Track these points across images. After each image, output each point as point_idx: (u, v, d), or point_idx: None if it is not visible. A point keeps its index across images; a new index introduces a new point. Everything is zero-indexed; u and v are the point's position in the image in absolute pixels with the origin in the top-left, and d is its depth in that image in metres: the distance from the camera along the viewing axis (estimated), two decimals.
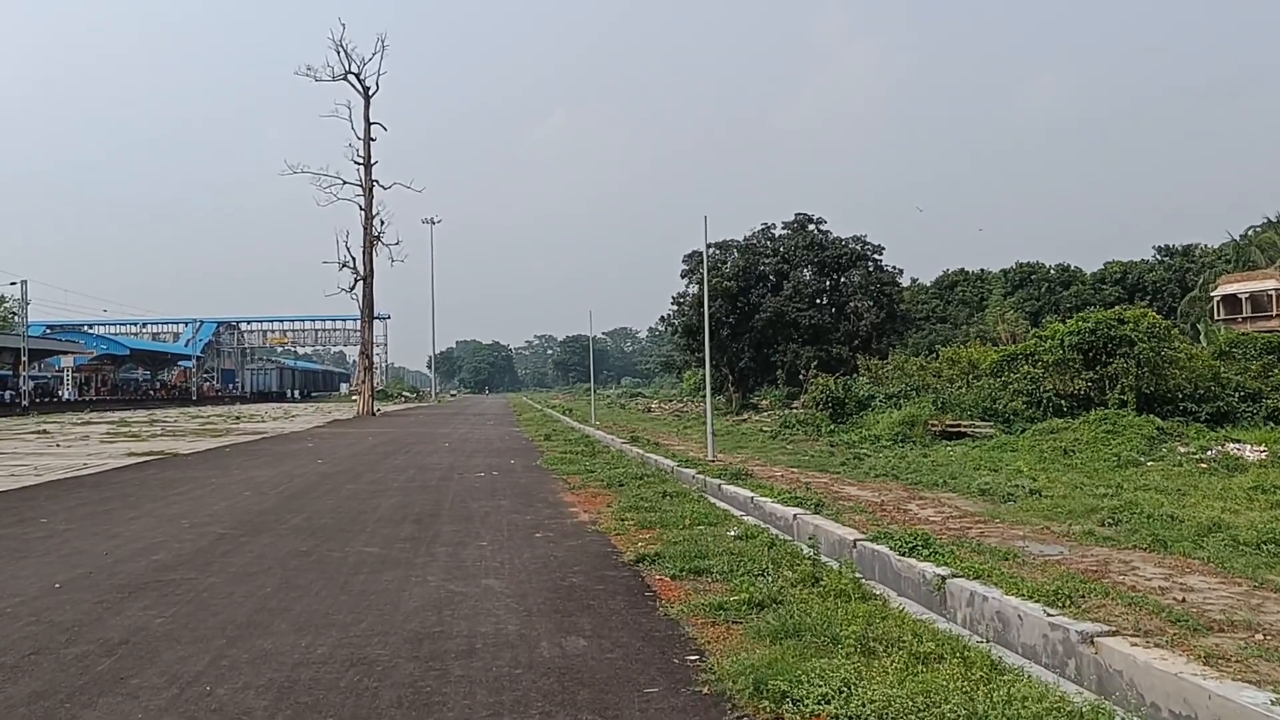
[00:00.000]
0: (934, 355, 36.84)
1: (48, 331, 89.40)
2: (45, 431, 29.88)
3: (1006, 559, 7.49)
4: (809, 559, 7.22)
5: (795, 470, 16.48)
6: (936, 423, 21.96)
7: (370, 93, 47.05)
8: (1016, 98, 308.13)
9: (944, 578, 6.72)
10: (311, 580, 6.88)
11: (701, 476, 14.48)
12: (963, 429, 21.54)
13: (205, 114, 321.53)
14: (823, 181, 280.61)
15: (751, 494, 12.02)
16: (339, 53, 47.08)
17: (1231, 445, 16.08)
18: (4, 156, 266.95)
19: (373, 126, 47.39)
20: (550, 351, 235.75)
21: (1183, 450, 16.30)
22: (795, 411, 32.93)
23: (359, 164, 47.38)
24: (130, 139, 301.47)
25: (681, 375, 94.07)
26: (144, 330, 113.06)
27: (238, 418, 43.37)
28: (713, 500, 11.50)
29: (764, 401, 47.39)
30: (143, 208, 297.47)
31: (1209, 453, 15.90)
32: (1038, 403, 22.21)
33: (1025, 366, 23.56)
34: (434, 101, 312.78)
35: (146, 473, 15.66)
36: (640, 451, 19.70)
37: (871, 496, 12.52)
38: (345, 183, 47.70)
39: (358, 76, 46.95)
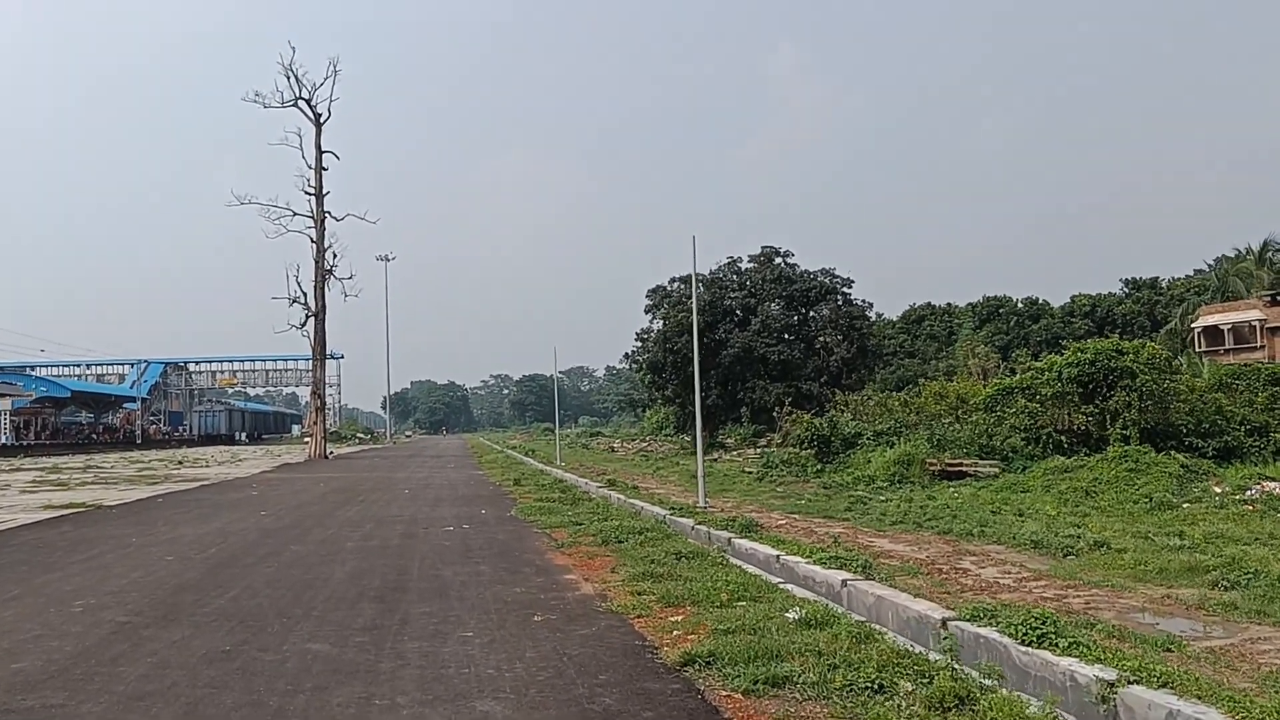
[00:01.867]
0: (915, 390, 35.34)
1: None
2: None
3: (1168, 649, 5.63)
4: (939, 666, 5.23)
5: (797, 517, 14.77)
6: (935, 462, 20.44)
7: (322, 119, 44.97)
8: (972, 131, 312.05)
9: (1110, 684, 4.81)
10: (229, 710, 4.80)
11: (704, 529, 12.55)
12: (964, 468, 20.02)
13: (147, 153, 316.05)
14: (783, 215, 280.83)
15: (775, 552, 10.12)
16: (289, 78, 44.98)
17: (1269, 484, 14.69)
18: None
19: (325, 155, 45.30)
20: (506, 391, 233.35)
21: (1218, 490, 14.91)
22: (776, 451, 31.28)
23: (310, 194, 45.20)
24: (70, 182, 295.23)
25: (641, 414, 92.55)
26: (88, 372, 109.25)
27: (180, 462, 40.68)
28: (739, 564, 9.51)
29: (729, 440, 45.77)
30: (83, 247, 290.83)
31: (1249, 493, 14.47)
32: (1036, 439, 20.85)
33: (1021, 400, 22.08)
34: (383, 140, 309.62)
35: (56, 531, 13.36)
36: (622, 498, 17.75)
37: (910, 551, 10.77)
38: (296, 214, 45.52)
39: (309, 102, 44.90)
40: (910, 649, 5.69)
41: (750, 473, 24.96)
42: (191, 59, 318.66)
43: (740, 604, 7.26)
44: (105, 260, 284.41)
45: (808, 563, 9.36)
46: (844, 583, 8.29)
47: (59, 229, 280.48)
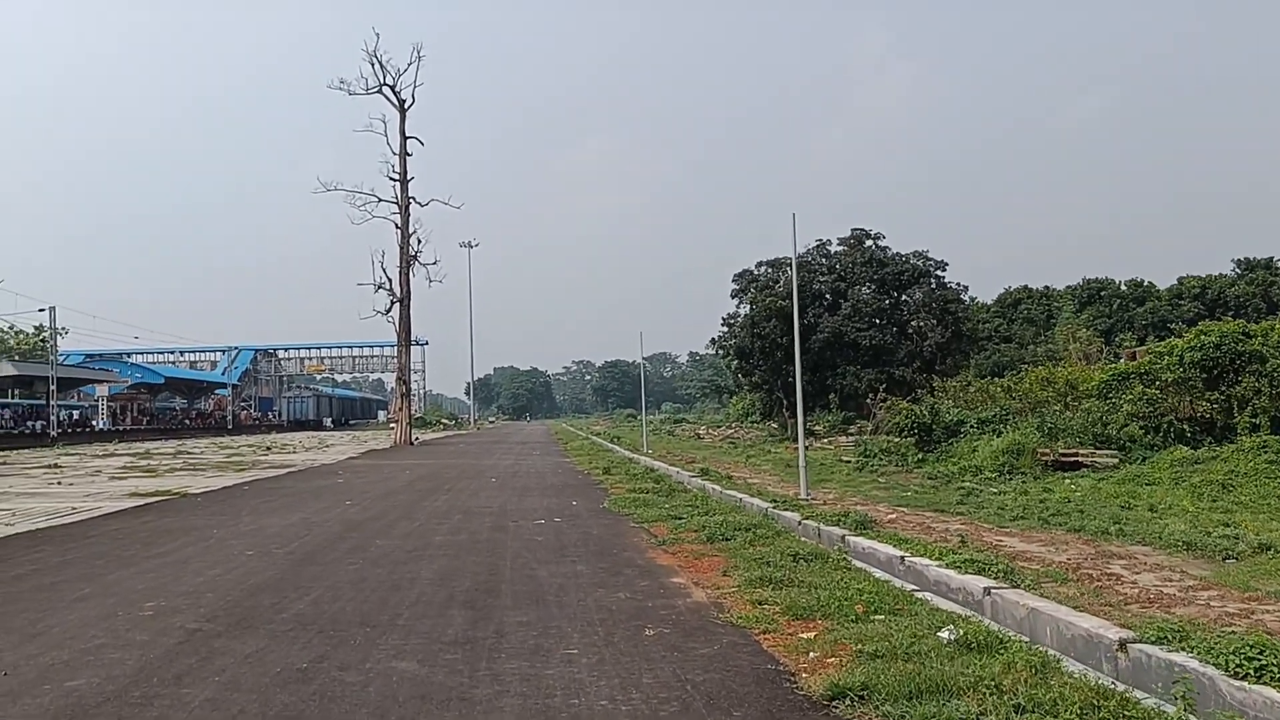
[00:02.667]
0: (1017, 375, 33.80)
1: (86, 360, 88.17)
2: (57, 466, 27.44)
3: None
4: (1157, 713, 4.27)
5: (906, 511, 13.78)
6: (1047, 451, 19.21)
7: (406, 105, 44.68)
8: (1068, 110, 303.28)
9: None
10: None
11: (813, 525, 11.65)
12: (1079, 458, 18.75)
13: (241, 145, 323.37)
14: (871, 199, 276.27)
15: (899, 553, 9.19)
16: (373, 64, 44.76)
17: None
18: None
19: (409, 141, 45.04)
20: (588, 377, 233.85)
21: None
22: (870, 439, 30.21)
23: (395, 180, 45.01)
24: (165, 175, 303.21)
25: (725, 400, 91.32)
26: (182, 358, 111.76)
27: (268, 448, 40.90)
28: (867, 568, 8.57)
29: (818, 427, 44.61)
30: (178, 237, 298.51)
31: None
32: (1156, 428, 19.45)
33: (1139, 386, 20.67)
34: (466, 126, 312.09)
35: (138, 521, 12.96)
36: (718, 489, 16.90)
37: (1046, 553, 9.75)
38: (381, 200, 45.36)
39: (393, 89, 44.64)
40: (1111, 686, 4.73)
41: (848, 461, 23.95)
42: (282, 52, 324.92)
43: (878, 618, 6.37)
44: (199, 250, 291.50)
45: (939, 566, 8.44)
46: (987, 591, 7.36)
47: (156, 221, 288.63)
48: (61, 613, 6.87)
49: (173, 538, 11.10)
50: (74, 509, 14.49)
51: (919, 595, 7.38)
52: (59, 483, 20.35)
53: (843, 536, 10.65)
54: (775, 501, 13.95)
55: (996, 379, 35.64)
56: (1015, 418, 23.38)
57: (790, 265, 16.47)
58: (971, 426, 23.71)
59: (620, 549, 10.03)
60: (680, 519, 12.27)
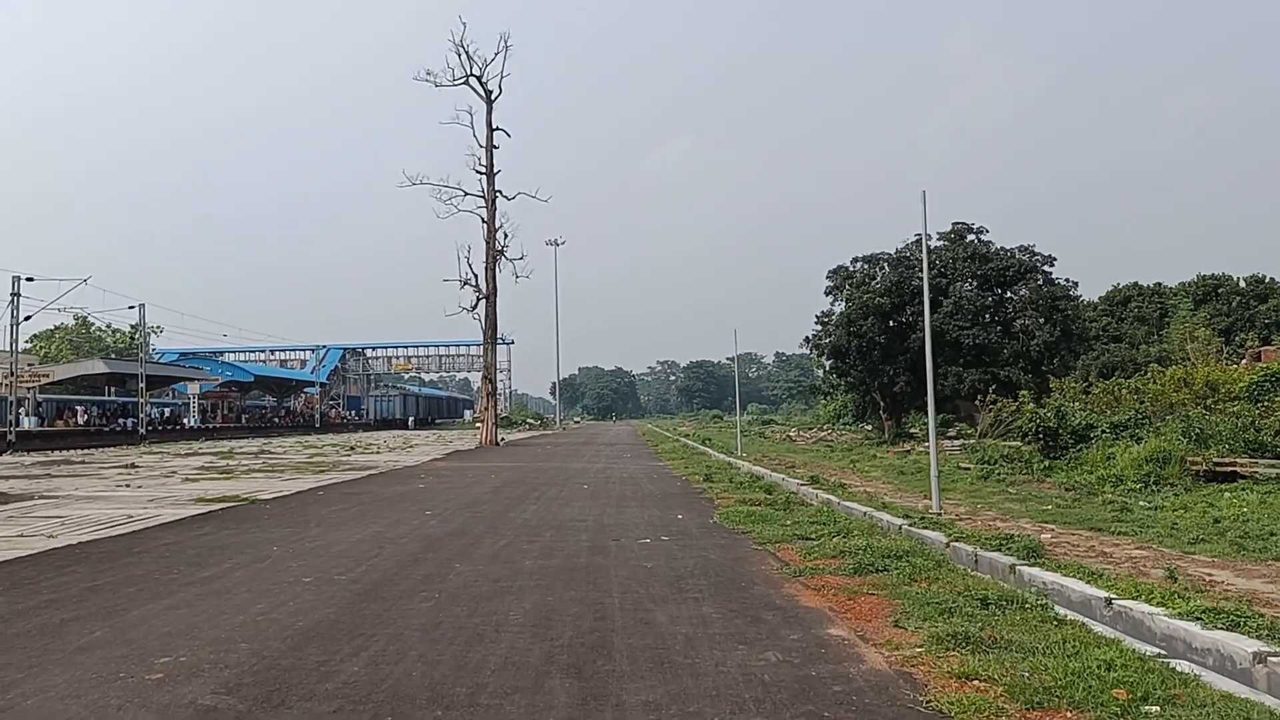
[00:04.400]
0: (1144, 375, 31.33)
1: (180, 358, 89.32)
2: (135, 466, 26.55)
3: None
4: None
5: (1056, 528, 12.01)
6: (1199, 460, 17.08)
7: (493, 96, 43.39)
8: (1172, 104, 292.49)
9: None
10: None
11: (965, 549, 9.81)
12: (1237, 468, 16.65)
13: (330, 145, 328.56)
14: (968, 196, 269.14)
15: (1101, 593, 7.31)
16: (460, 54, 43.53)
17: None
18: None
19: (495, 133, 43.75)
20: (673, 378, 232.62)
21: None
22: (980, 442, 28.12)
23: (481, 173, 43.73)
24: (255, 176, 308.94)
25: (813, 401, 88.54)
26: (273, 357, 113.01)
27: (352, 448, 39.94)
28: (1090, 626, 6.58)
29: (915, 429, 42.41)
30: (269, 235, 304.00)
31: None
32: None
33: None
34: (552, 130, 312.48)
35: (193, 534, 11.50)
36: (835, 499, 15.06)
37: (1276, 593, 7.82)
38: (467, 194, 44.14)
39: (479, 79, 43.37)
40: None
41: (965, 469, 21.96)
42: (369, 49, 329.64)
43: (1149, 708, 4.48)
44: (289, 247, 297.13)
45: (1169, 616, 6.51)
46: (1259, 658, 5.44)
47: (247, 220, 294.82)
48: (48, 673, 5.27)
49: (225, 556, 9.59)
50: (130, 517, 13.15)
51: (1177, 665, 5.42)
52: (128, 485, 19.24)
53: (1011, 566, 8.77)
54: (908, 517, 12.09)
55: (1123, 379, 33.07)
56: (1150, 422, 21.25)
57: (925, 248, 14.48)
58: (1103, 431, 21.63)
59: (749, 580, 8.21)
60: (809, 539, 10.44)
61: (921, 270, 40.14)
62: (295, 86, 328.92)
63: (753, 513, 12.97)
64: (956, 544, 10.06)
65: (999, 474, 20.09)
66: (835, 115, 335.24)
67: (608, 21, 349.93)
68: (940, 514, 12.97)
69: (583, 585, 7.97)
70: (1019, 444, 23.86)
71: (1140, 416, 22.03)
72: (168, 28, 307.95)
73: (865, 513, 13.11)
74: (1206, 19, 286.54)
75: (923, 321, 37.47)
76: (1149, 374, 30.28)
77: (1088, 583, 7.64)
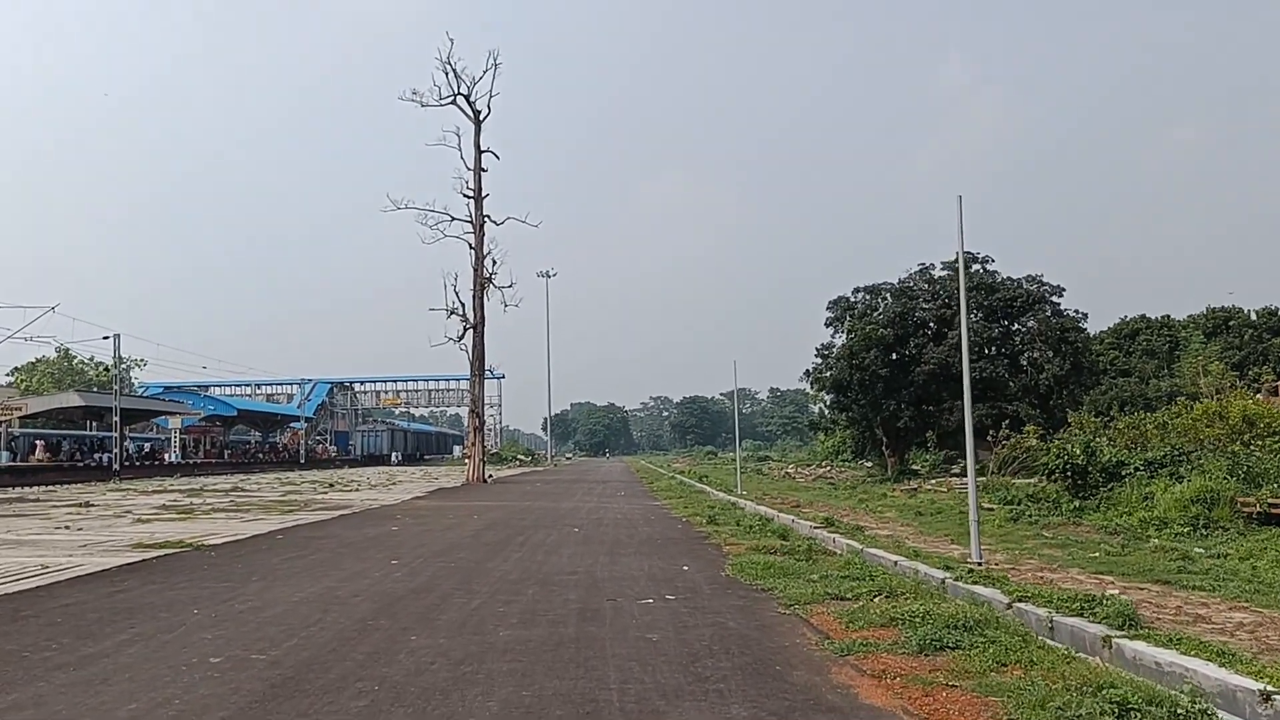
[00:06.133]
0: (1171, 409, 29.75)
1: (164, 392, 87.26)
2: (88, 504, 24.58)
3: None
4: None
5: (1115, 580, 10.28)
6: (1251, 501, 15.48)
7: (481, 116, 41.72)
8: (1165, 136, 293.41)
9: None
10: None
11: (1036, 613, 8.03)
12: None
13: (317, 180, 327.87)
14: (969, 228, 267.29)
15: (1252, 683, 5.52)
16: (447, 72, 41.88)
17: None
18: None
19: (484, 155, 42.14)
20: (666, 413, 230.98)
21: None
22: (1010, 480, 26.41)
23: (469, 196, 42.04)
24: (241, 210, 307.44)
25: (810, 437, 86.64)
26: (259, 391, 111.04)
27: (331, 485, 37.92)
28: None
29: (917, 466, 40.75)
30: (255, 270, 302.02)
31: None
32: None
33: None
34: (540, 163, 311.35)
35: (109, 592, 9.59)
36: (857, 545, 13.30)
37: None
38: (454, 219, 42.44)
39: (467, 99, 41.74)
40: None
41: (990, 509, 20.24)
42: (354, 73, 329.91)
43: None
44: (276, 282, 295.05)
45: None
46: None
47: (233, 254, 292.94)
48: None
49: (128, 624, 7.72)
50: (44, 567, 11.24)
51: None
52: (68, 527, 17.30)
53: (1105, 639, 6.97)
54: (950, 569, 10.34)
55: (1145, 413, 31.41)
56: (1188, 459, 19.68)
57: (960, 266, 12.81)
58: (1137, 469, 20.02)
59: (784, 661, 6.38)
60: (846, 600, 8.64)
61: (926, 301, 38.99)
62: (279, 112, 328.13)
63: (770, 563, 11.16)
64: (1021, 605, 8.28)
65: (1029, 515, 18.46)
66: (831, 148, 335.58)
67: (599, 57, 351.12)
68: (981, 563, 11.21)
69: (571, 670, 6.12)
70: (1041, 482, 22.34)
71: (1178, 453, 20.45)
72: (135, 65, 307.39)
73: (896, 562, 11.35)
74: (1219, 45, 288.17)
75: (928, 354, 36.13)
76: (1176, 408, 28.74)
77: (1223, 665, 5.88)
